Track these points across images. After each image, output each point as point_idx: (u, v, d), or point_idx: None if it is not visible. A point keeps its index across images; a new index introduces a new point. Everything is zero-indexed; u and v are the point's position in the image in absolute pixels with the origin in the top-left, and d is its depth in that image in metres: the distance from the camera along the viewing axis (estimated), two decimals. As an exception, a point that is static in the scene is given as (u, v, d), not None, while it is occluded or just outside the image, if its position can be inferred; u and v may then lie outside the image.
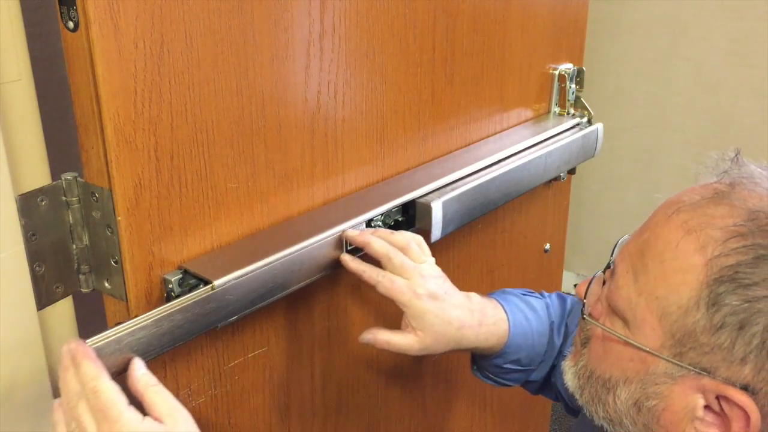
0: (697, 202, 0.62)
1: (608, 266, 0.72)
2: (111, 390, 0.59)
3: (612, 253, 0.73)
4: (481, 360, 0.92)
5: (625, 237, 0.75)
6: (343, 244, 0.84)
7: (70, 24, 0.62)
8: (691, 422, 0.62)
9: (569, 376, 0.74)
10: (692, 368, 0.61)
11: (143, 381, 0.63)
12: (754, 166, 0.65)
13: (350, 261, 0.83)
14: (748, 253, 0.58)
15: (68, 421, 0.61)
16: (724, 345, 0.58)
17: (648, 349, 0.63)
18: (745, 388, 0.58)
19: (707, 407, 0.61)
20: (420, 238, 0.86)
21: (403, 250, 0.84)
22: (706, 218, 0.61)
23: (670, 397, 0.63)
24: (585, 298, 0.72)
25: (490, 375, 0.93)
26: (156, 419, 0.61)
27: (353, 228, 0.84)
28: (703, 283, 0.59)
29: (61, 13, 0.63)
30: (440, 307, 0.83)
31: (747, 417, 0.59)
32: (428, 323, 0.82)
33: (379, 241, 0.83)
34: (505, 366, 0.90)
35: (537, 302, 0.94)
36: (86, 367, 0.60)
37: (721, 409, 0.61)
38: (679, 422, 0.63)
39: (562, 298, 0.96)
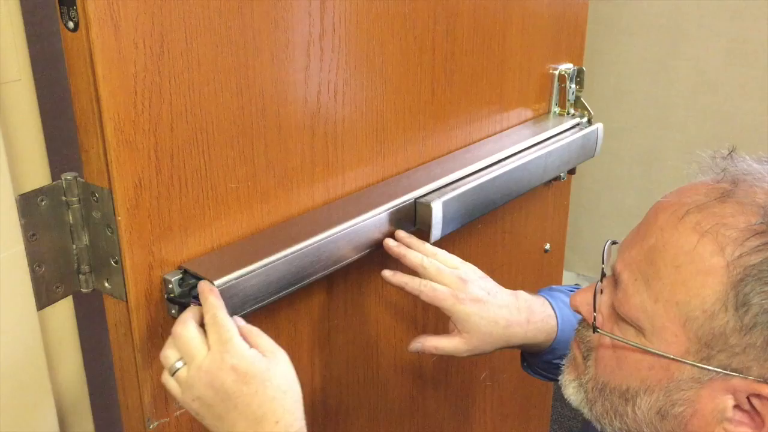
0: (705, 203, 0.61)
1: (602, 274, 0.71)
2: (227, 318, 0.67)
3: (603, 260, 0.72)
4: (531, 357, 0.93)
5: (609, 242, 0.74)
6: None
7: (70, 24, 0.62)
8: (719, 423, 0.61)
9: (571, 391, 0.73)
10: (722, 370, 0.60)
11: (246, 328, 0.69)
12: (751, 161, 0.65)
13: (392, 276, 0.86)
14: None
15: (184, 339, 0.67)
16: (757, 344, 0.58)
17: (672, 357, 0.62)
18: None
19: (736, 406, 0.61)
20: (444, 251, 0.89)
21: (434, 256, 0.86)
22: (718, 218, 0.60)
23: (698, 401, 0.62)
24: (579, 306, 0.72)
25: (541, 371, 0.93)
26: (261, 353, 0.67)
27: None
28: (727, 285, 0.58)
29: (61, 13, 0.63)
30: (484, 308, 0.84)
31: None
32: (473, 325, 0.83)
33: (413, 252, 0.86)
34: (555, 362, 0.89)
35: None
36: (211, 300, 0.69)
37: (752, 407, 0.60)
38: (707, 425, 0.62)
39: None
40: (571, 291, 0.95)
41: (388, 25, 0.89)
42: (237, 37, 0.73)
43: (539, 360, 0.91)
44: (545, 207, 1.33)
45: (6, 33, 0.69)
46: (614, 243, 0.75)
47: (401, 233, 0.89)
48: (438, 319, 1.11)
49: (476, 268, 0.88)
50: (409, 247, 0.87)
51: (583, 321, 0.74)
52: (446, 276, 0.84)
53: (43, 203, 0.69)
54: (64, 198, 0.70)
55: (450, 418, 1.23)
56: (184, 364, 0.67)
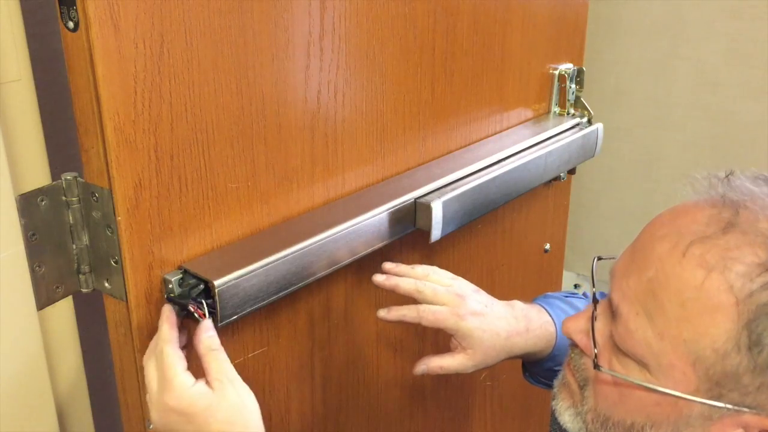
0: (708, 235, 0.59)
1: (594, 299, 0.69)
2: (173, 355, 0.66)
3: (592, 281, 0.71)
4: (532, 366, 0.92)
5: (595, 259, 0.73)
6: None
7: (70, 24, 0.62)
8: None
9: (567, 418, 0.72)
10: (734, 407, 0.58)
11: (205, 344, 0.68)
12: (748, 182, 0.62)
13: (387, 313, 0.84)
14: None
15: (146, 371, 0.68)
16: None
17: (682, 396, 0.60)
18: None
19: None
20: (434, 267, 0.88)
21: (425, 278, 0.85)
22: (723, 251, 0.58)
23: None
24: (573, 335, 0.70)
25: (543, 380, 0.92)
26: (207, 383, 0.66)
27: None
28: (739, 324, 0.57)
29: (61, 13, 0.63)
30: (485, 322, 0.83)
31: None
32: (477, 339, 0.82)
33: (404, 280, 0.84)
34: (556, 369, 0.87)
35: (580, 302, 0.94)
36: (163, 330, 0.68)
37: None
38: None
39: (603, 296, 0.96)
40: (567, 297, 0.94)
41: (388, 25, 0.89)
42: (237, 37, 0.73)
43: (540, 368, 0.91)
44: (545, 207, 1.33)
45: (6, 33, 0.69)
46: (600, 259, 0.74)
47: (387, 265, 0.86)
48: (438, 319, 1.11)
49: (468, 282, 0.87)
50: (399, 275, 0.85)
51: (576, 348, 0.72)
52: (443, 295, 0.83)
53: (43, 203, 0.69)
54: (64, 198, 0.70)
55: (450, 419, 1.23)
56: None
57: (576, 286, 2.68)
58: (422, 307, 0.83)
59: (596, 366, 0.66)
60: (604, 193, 2.41)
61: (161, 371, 0.66)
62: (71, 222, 0.71)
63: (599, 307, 0.69)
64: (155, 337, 0.70)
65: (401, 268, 0.86)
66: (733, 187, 0.62)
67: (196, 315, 0.71)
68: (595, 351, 0.66)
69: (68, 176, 0.70)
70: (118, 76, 0.64)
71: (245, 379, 0.84)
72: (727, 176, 0.63)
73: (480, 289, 0.87)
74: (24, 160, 0.73)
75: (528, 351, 0.87)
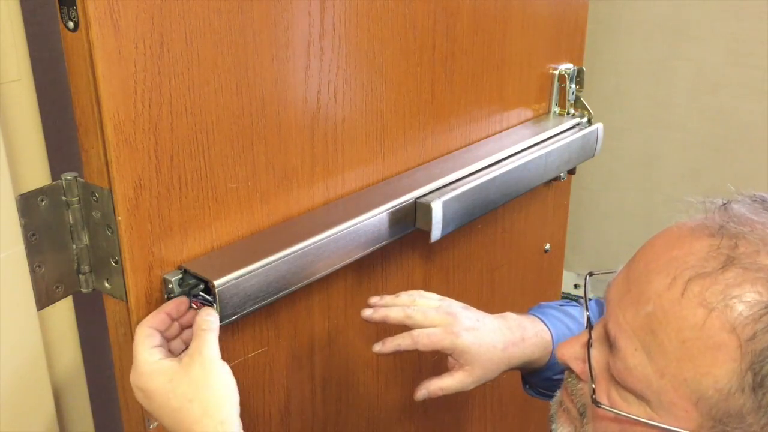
0: (708, 271, 0.58)
1: (588, 324, 0.68)
2: (140, 334, 0.68)
3: (586, 303, 0.69)
4: (531, 377, 0.91)
5: (587, 275, 0.72)
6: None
7: (70, 24, 0.62)
8: None
9: None
10: None
11: (198, 323, 0.69)
12: (745, 209, 0.61)
13: (383, 346, 0.83)
14: None
15: None
16: None
17: None
18: None
19: None
20: (420, 291, 0.87)
21: (413, 303, 0.84)
22: (722, 288, 0.57)
23: None
24: (569, 362, 0.70)
25: (542, 390, 0.91)
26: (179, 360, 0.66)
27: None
28: (742, 365, 0.56)
29: (61, 13, 0.63)
30: (480, 336, 0.82)
31: None
32: (474, 355, 0.81)
33: (392, 309, 0.83)
34: (555, 378, 0.88)
35: (575, 310, 0.93)
36: (147, 316, 0.70)
37: None
38: None
39: (600, 304, 0.95)
40: (562, 305, 0.94)
41: (388, 25, 0.89)
42: (237, 37, 0.73)
43: (539, 378, 0.90)
44: (545, 207, 1.33)
45: (6, 33, 0.69)
46: (591, 274, 0.73)
47: (373, 299, 0.85)
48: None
49: (455, 300, 0.86)
50: (386, 306, 0.84)
51: (572, 373, 0.71)
52: (433, 317, 0.82)
53: (43, 203, 0.69)
54: (64, 198, 0.70)
55: (450, 419, 1.23)
56: None
57: (576, 286, 2.68)
58: (416, 333, 0.81)
59: (595, 402, 0.65)
60: (604, 193, 2.41)
61: (133, 350, 0.67)
62: (71, 222, 0.71)
63: (594, 333, 0.68)
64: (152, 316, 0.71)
65: (387, 298, 0.85)
66: (731, 216, 0.61)
67: (194, 307, 0.71)
68: (593, 386, 0.65)
69: (68, 176, 0.70)
70: (118, 76, 0.64)
71: (246, 379, 0.84)
72: (724, 204, 0.62)
73: (469, 306, 0.86)
74: (24, 160, 0.73)
75: (525, 360, 0.86)
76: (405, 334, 0.82)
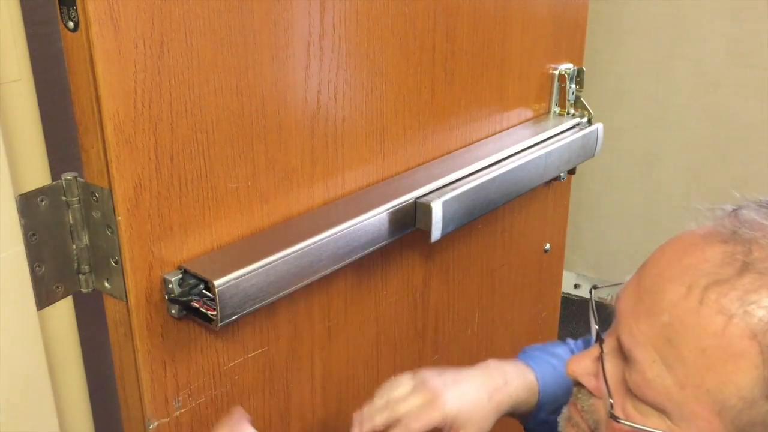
0: (724, 279, 0.57)
1: (599, 337, 0.67)
2: None
3: (594, 318, 0.68)
4: (527, 421, 0.90)
5: (592, 288, 0.71)
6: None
7: (70, 24, 0.62)
8: None
9: None
10: None
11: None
12: (755, 214, 0.61)
13: None
14: None
15: None
16: None
17: None
18: None
19: None
20: (388, 382, 0.84)
21: (390, 400, 0.81)
22: (740, 294, 0.56)
23: None
24: (580, 377, 0.68)
25: None
26: None
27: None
28: (765, 372, 0.56)
29: (61, 13, 0.63)
30: (465, 394, 0.81)
31: None
32: (466, 416, 0.80)
33: (375, 418, 0.80)
34: (551, 419, 0.85)
35: (560, 349, 0.92)
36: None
37: None
38: None
39: (587, 342, 0.93)
40: (546, 346, 0.93)
41: (388, 25, 0.89)
42: (237, 37, 0.73)
43: (536, 420, 0.89)
44: (545, 207, 1.33)
45: (6, 33, 0.69)
46: (596, 288, 0.72)
47: (354, 416, 0.82)
48: (438, 319, 1.11)
49: (426, 369, 0.84)
50: (369, 417, 0.81)
51: (582, 388, 0.69)
52: (414, 399, 0.80)
53: (43, 203, 0.69)
54: (64, 198, 0.70)
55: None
56: None
57: (576, 286, 2.69)
58: (404, 420, 0.79)
59: (614, 417, 0.63)
60: (604, 193, 2.41)
61: None
62: (71, 222, 0.71)
63: (606, 346, 0.66)
64: None
65: (364, 411, 0.82)
66: (743, 222, 0.60)
67: (203, 310, 0.71)
68: (611, 401, 0.63)
69: (68, 176, 0.70)
70: (118, 76, 0.64)
71: (246, 379, 0.85)
72: (734, 210, 0.62)
73: (443, 369, 0.84)
74: (24, 160, 0.73)
75: (513, 404, 0.85)
76: (395, 427, 0.79)
